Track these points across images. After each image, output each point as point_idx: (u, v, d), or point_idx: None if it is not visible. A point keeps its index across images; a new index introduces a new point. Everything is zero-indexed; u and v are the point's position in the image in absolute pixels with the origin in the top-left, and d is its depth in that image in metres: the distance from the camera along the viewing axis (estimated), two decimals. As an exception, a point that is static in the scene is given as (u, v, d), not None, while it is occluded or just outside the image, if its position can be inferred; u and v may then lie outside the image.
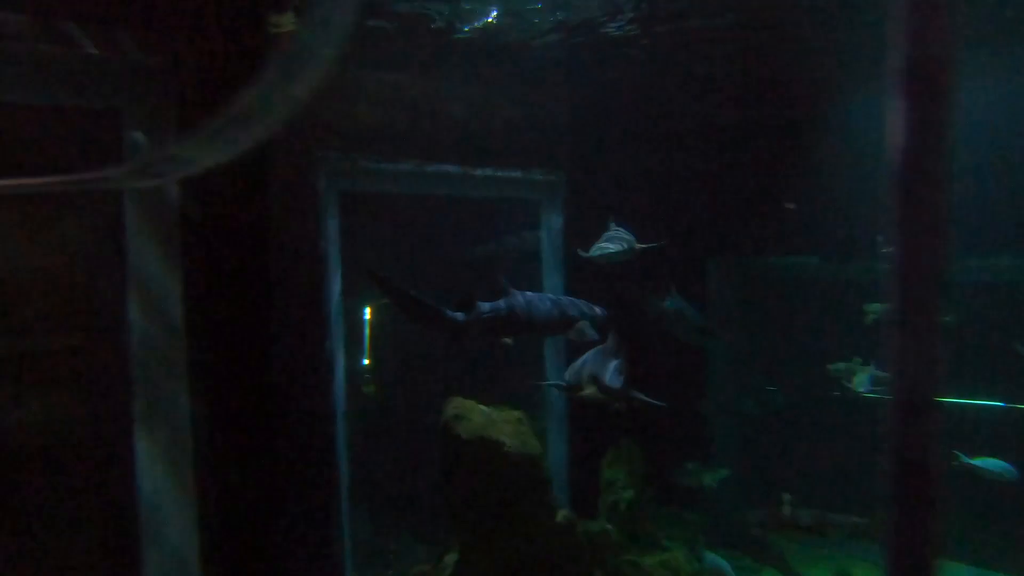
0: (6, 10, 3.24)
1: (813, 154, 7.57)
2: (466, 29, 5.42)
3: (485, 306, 4.41)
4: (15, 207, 3.54)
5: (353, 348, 9.02)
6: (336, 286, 5.89)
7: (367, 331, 9.46)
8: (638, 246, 5.39)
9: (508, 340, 4.76)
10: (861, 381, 6.50)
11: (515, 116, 6.76)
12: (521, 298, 4.62)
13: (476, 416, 4.35)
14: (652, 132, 7.78)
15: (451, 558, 4.71)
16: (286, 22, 3.42)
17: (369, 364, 9.32)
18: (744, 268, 8.78)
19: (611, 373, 3.94)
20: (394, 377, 8.86)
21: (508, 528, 4.12)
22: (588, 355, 4.40)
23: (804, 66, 6.99)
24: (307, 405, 5.41)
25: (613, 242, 5.25)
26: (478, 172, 6.46)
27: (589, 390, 4.07)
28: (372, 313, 9.23)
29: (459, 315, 4.27)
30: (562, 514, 4.36)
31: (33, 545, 3.54)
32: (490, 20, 5.34)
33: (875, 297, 7.90)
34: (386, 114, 6.33)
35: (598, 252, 5.15)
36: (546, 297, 5.01)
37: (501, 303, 4.48)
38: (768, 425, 8.93)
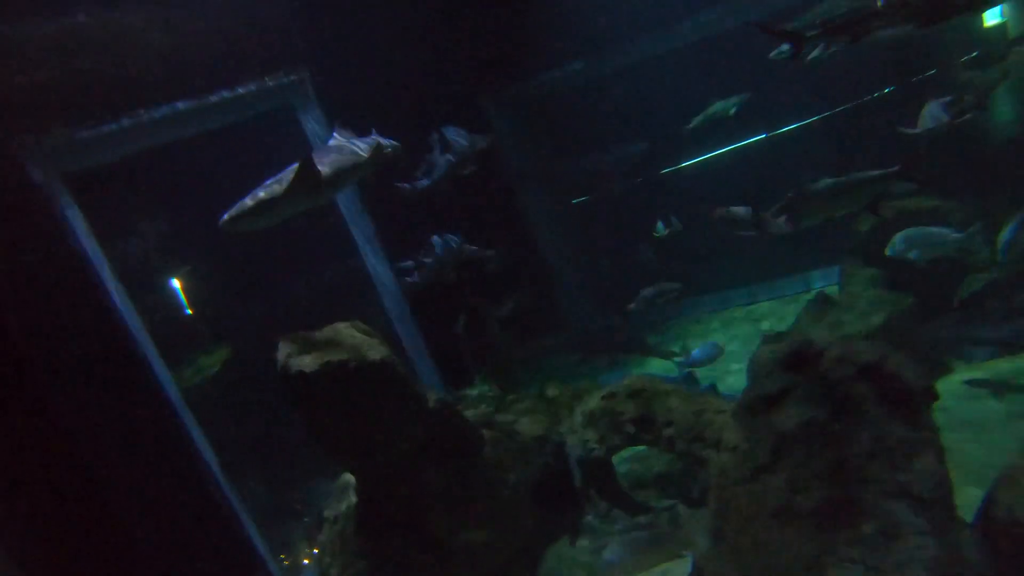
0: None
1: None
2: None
3: None
4: None
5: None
6: (109, 281, 5.26)
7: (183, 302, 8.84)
8: (380, 143, 4.14)
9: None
10: None
11: (232, 28, 6.01)
12: None
13: (311, 346, 4.16)
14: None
15: (347, 482, 4.70)
16: None
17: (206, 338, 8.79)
18: (516, 96, 8.78)
19: None
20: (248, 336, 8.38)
21: (386, 436, 4.10)
22: None
23: None
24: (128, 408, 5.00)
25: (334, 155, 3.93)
26: (213, 98, 5.81)
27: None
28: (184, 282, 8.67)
29: None
30: (434, 399, 4.40)
31: None
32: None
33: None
34: (87, 67, 5.42)
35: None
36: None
37: None
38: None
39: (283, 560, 6.69)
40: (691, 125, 7.41)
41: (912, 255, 5.88)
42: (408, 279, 6.11)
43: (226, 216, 3.48)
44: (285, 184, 3.50)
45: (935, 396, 3.18)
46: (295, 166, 3.53)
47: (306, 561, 6.50)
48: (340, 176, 3.80)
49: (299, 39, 6.48)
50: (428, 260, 6.07)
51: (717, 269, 8.80)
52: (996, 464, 3.37)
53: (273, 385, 4.03)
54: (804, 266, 8.30)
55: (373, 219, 6.93)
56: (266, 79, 6.20)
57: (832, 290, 6.92)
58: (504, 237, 8.40)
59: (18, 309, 4.09)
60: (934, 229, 5.97)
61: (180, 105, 5.71)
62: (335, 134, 4.05)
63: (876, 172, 4.91)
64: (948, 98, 5.61)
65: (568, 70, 8.12)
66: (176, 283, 8.96)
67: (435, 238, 6.08)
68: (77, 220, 5.17)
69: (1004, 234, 5.56)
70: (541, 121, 9.18)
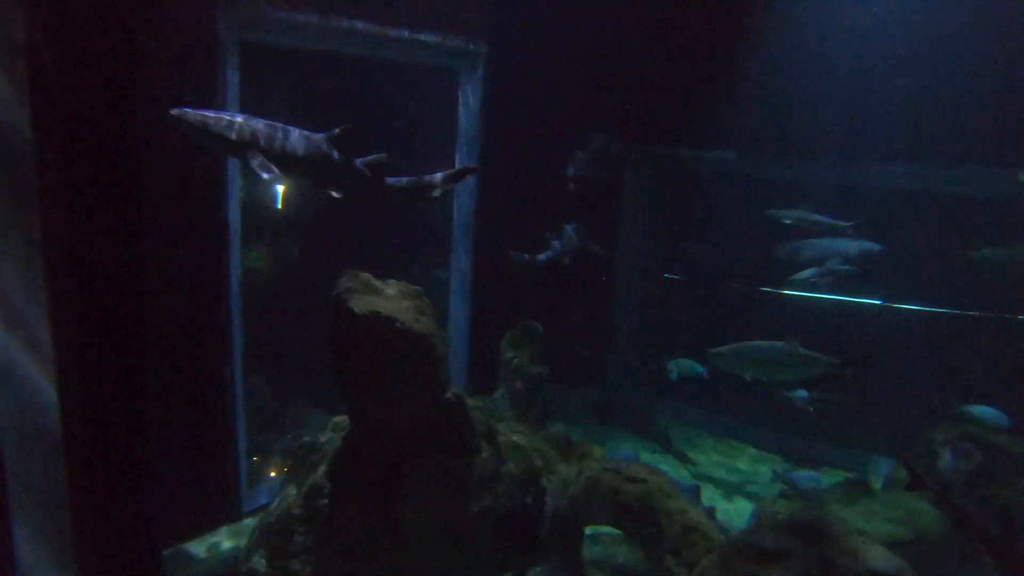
0: None
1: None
2: None
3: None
4: None
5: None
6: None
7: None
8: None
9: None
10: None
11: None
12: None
13: (370, 290, 4.26)
14: (583, 10, 7.37)
15: (342, 426, 4.78)
16: None
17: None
18: (657, 158, 8.78)
19: None
20: (295, 247, 8.61)
21: (397, 403, 4.15)
22: None
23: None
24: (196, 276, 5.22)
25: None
26: (391, 32, 6.01)
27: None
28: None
29: None
30: (452, 391, 4.42)
31: None
32: None
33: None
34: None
35: None
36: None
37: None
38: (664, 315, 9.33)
39: (254, 459, 6.84)
40: (776, 214, 7.34)
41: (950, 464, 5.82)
42: (530, 257, 6.77)
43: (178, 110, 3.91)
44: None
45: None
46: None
47: (273, 473, 6.62)
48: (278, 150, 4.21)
49: (486, 12, 6.67)
50: (557, 242, 6.82)
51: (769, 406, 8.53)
52: None
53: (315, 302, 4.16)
54: (861, 444, 7.92)
55: (475, 214, 7.08)
56: (446, 35, 6.38)
57: (877, 482, 6.62)
58: (591, 276, 8.43)
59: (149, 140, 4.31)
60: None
61: (359, 24, 5.93)
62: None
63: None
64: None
65: (717, 156, 8.06)
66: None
67: (567, 227, 6.98)
68: (233, 84, 5.43)
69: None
70: (670, 193, 9.15)
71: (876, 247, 7.04)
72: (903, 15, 6.53)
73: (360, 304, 4.04)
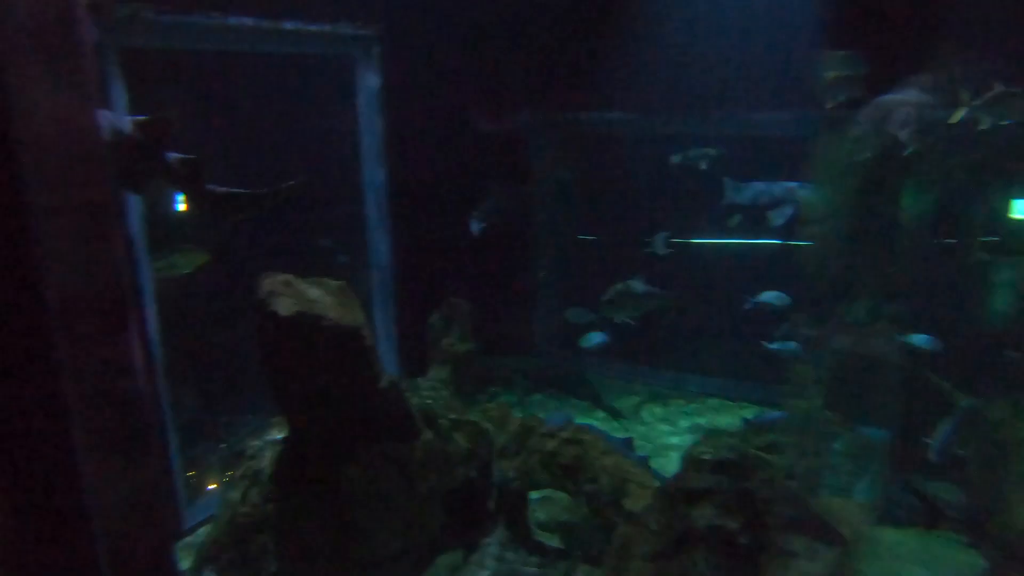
0: None
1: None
2: None
3: None
4: None
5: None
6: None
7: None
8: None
9: None
10: None
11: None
12: None
13: (293, 290, 4.26)
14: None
15: (280, 428, 4.79)
16: None
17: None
18: (566, 124, 8.97)
19: None
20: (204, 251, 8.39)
21: (333, 400, 4.21)
22: None
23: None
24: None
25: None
26: (280, 25, 5.90)
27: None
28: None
29: None
30: (387, 379, 4.51)
31: None
32: None
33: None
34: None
35: None
36: None
37: None
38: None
39: (189, 476, 6.73)
40: (675, 160, 7.67)
41: None
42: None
43: None
44: None
45: (843, 541, 3.37)
46: None
47: (212, 486, 6.54)
48: None
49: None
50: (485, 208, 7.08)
51: (697, 350, 9.00)
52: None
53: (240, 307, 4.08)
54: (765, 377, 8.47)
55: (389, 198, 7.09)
56: (336, 23, 6.31)
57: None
58: (510, 250, 8.61)
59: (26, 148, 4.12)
60: None
61: (248, 20, 5.80)
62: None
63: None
64: None
65: (612, 117, 8.34)
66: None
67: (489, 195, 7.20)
68: (118, 93, 5.22)
69: (937, 436, 6.09)
70: (583, 156, 9.38)
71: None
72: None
73: (284, 306, 4.05)
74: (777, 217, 7.36)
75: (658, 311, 7.29)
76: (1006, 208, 8.66)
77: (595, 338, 7.67)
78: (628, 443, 6.95)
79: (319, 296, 4.33)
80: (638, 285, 6.89)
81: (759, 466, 3.45)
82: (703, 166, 7.72)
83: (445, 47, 7.20)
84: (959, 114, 5.66)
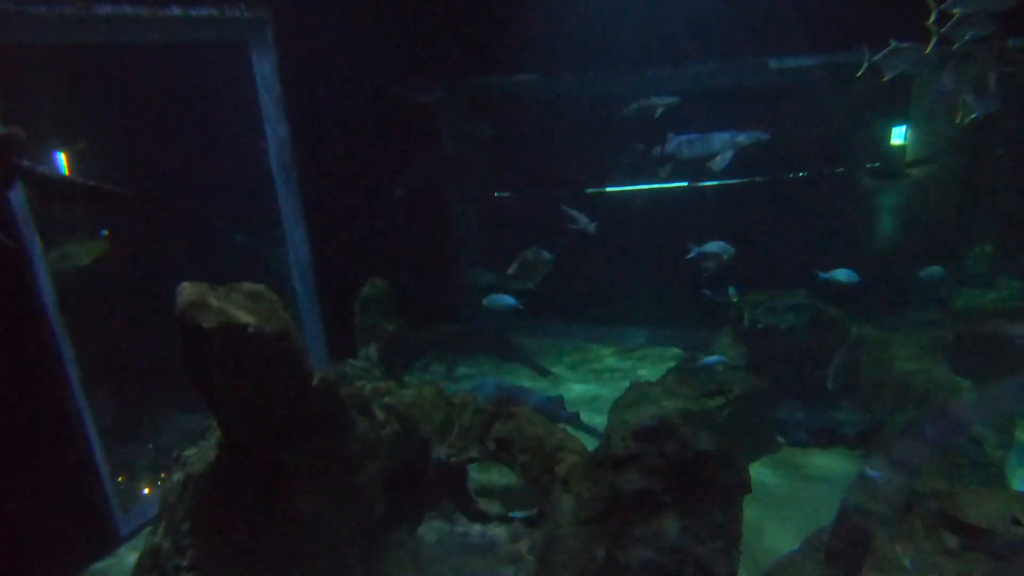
0: None
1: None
2: None
3: None
4: None
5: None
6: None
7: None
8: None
9: None
10: None
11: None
12: None
13: (215, 300, 4.22)
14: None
15: (214, 436, 4.79)
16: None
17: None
18: (470, 89, 8.96)
19: None
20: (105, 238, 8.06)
21: (266, 403, 4.25)
22: None
23: None
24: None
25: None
26: (162, 12, 5.61)
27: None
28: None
29: None
30: (318, 377, 4.56)
31: None
32: None
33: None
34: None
35: None
36: None
37: None
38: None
39: (119, 482, 6.63)
40: (625, 114, 7.73)
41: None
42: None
43: None
44: None
45: (748, 489, 3.74)
46: None
47: (146, 490, 6.47)
48: None
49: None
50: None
51: (609, 302, 9.36)
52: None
53: (152, 301, 3.95)
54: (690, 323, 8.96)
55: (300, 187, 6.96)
56: (223, 7, 6.05)
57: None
58: (428, 218, 8.62)
59: None
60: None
61: (127, 8, 5.49)
62: None
63: None
64: None
65: (522, 80, 8.39)
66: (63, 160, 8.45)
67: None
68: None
69: (833, 364, 6.71)
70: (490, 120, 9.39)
71: (764, 135, 7.40)
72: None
73: (207, 318, 4.02)
74: (720, 163, 7.53)
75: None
76: (887, 136, 9.33)
77: (501, 299, 7.55)
78: (559, 401, 7.28)
79: (241, 302, 4.30)
80: (538, 253, 6.96)
81: (676, 428, 3.75)
82: (657, 113, 7.70)
83: (342, 25, 7.01)
84: (864, 67, 6.10)
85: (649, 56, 7.91)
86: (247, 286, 4.48)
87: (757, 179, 9.19)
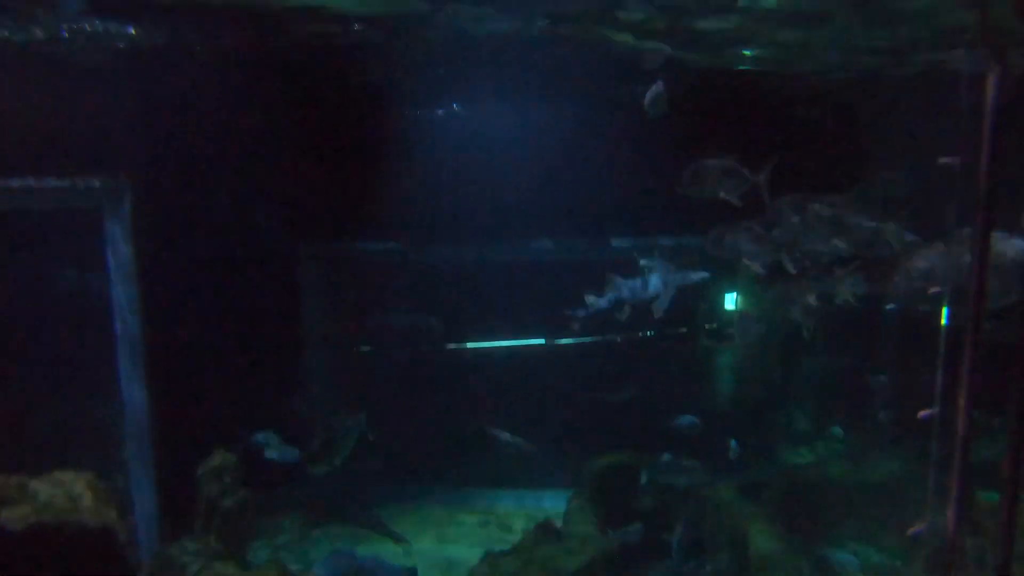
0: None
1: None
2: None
3: None
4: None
5: None
6: None
7: None
8: None
9: None
10: None
11: (56, 121, 5.85)
12: None
13: (25, 496, 3.94)
14: (229, 131, 7.46)
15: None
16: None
17: None
18: (332, 252, 9.23)
19: None
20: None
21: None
22: None
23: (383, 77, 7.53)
24: None
25: None
26: (13, 183, 5.54)
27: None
28: None
29: None
30: (144, 572, 4.28)
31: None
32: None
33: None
34: None
35: None
36: None
37: None
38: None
39: None
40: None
41: None
42: None
43: None
44: None
45: None
46: None
47: None
48: None
49: (125, 148, 6.45)
50: None
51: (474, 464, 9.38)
52: None
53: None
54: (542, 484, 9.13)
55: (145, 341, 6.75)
56: (76, 177, 6.04)
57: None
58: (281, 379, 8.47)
59: None
60: None
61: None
62: None
63: None
64: None
65: (383, 247, 8.85)
66: None
67: None
68: None
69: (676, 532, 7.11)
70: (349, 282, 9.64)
71: (707, 274, 7.37)
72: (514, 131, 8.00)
73: (14, 518, 3.73)
74: (661, 303, 7.55)
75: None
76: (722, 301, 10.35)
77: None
78: (412, 572, 7.08)
79: (59, 495, 4.03)
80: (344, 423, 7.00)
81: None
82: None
83: (207, 188, 7.13)
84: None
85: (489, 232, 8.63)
86: (73, 475, 4.22)
87: (612, 337, 9.86)
